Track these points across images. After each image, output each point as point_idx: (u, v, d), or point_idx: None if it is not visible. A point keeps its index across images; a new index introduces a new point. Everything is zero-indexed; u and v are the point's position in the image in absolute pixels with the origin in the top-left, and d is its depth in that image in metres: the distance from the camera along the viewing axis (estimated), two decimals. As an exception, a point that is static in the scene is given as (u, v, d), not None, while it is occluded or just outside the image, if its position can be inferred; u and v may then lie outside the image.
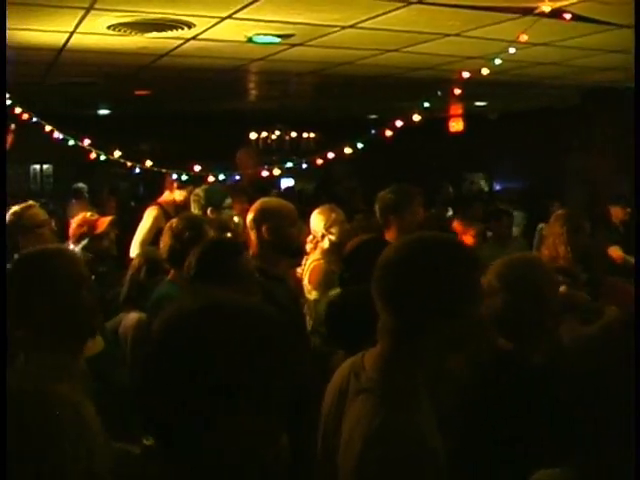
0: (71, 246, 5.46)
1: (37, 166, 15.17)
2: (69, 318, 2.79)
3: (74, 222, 5.55)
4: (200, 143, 12.26)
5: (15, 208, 5.30)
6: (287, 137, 13.09)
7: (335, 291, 4.63)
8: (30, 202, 5.49)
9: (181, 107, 12.35)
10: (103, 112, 13.36)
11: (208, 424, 1.64)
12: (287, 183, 14.45)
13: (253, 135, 12.45)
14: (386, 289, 2.19)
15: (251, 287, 3.69)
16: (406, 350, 2.18)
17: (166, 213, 7.12)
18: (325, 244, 5.53)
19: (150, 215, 7.21)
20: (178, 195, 7.32)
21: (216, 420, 1.63)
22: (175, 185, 7.30)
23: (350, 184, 13.94)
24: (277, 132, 12.96)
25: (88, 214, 5.67)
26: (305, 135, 13.42)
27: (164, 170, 6.86)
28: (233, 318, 1.68)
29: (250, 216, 4.69)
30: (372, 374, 2.21)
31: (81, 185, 12.71)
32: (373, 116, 13.67)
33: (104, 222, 5.59)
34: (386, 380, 2.16)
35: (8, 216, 5.26)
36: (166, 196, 7.44)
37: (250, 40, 6.45)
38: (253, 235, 4.68)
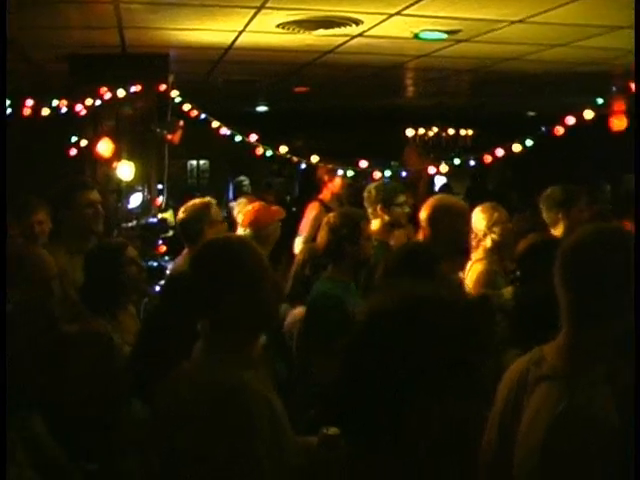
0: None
1: (194, 162, 15.55)
2: (254, 309, 2.79)
3: (251, 208, 5.64)
4: (356, 139, 12.31)
5: (205, 199, 5.44)
6: (444, 134, 12.96)
7: (507, 290, 4.57)
8: (207, 198, 5.63)
9: (338, 104, 12.41)
10: (261, 109, 13.57)
11: (413, 413, 1.64)
12: (441, 181, 14.27)
13: (410, 132, 12.38)
14: (568, 275, 2.27)
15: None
16: (586, 337, 2.24)
17: (327, 209, 7.19)
18: (487, 243, 5.45)
19: (312, 212, 7.30)
20: (334, 187, 7.38)
21: (421, 408, 1.64)
22: (326, 178, 7.35)
23: (503, 182, 13.71)
24: (434, 129, 12.84)
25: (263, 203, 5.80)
26: (462, 132, 13.24)
27: (330, 166, 6.91)
28: (435, 309, 1.69)
29: (424, 213, 4.68)
30: (554, 362, 2.28)
31: (242, 178, 12.97)
32: (532, 113, 13.37)
33: (280, 212, 5.69)
34: (568, 366, 2.23)
35: (198, 203, 5.41)
36: (325, 192, 7.51)
37: (416, 36, 6.39)
38: (425, 231, 4.67)
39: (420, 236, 5.01)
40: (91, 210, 5.08)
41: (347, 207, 5.92)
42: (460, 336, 1.69)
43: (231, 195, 13.71)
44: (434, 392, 1.66)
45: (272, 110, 13.61)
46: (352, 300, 4.36)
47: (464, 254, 4.97)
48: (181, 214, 5.46)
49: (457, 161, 6.79)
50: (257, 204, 5.76)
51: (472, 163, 6.69)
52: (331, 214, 4.82)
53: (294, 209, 9.74)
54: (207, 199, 5.57)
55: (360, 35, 6.41)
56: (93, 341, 3.54)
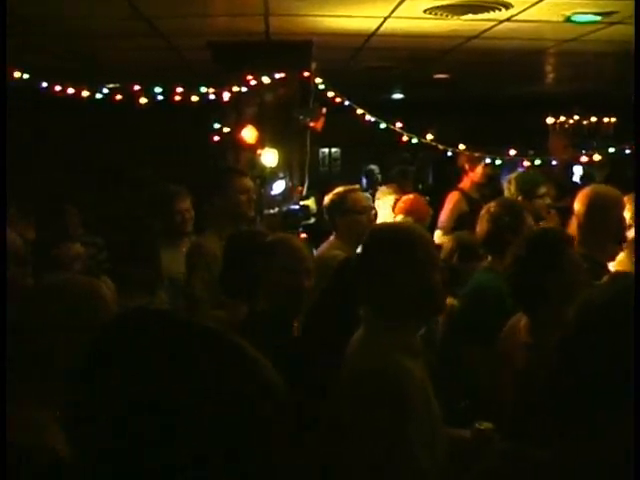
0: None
1: (326, 149, 15.62)
2: (422, 296, 2.79)
3: (409, 198, 5.63)
4: (491, 127, 12.04)
5: (339, 189, 5.42)
6: (585, 122, 12.56)
7: None
8: (356, 186, 5.61)
9: (474, 91, 12.21)
10: (396, 96, 13.47)
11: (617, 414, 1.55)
12: (578, 170, 13.76)
13: (550, 120, 12.07)
14: None
15: (576, 279, 3.50)
16: None
17: (468, 198, 7.07)
18: (631, 234, 5.24)
19: (452, 200, 7.19)
20: (475, 176, 7.24)
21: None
22: (467, 166, 7.22)
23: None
24: (575, 116, 12.46)
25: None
26: (605, 120, 12.77)
27: (477, 154, 6.79)
28: None
29: (580, 203, 4.54)
30: None
31: (373, 167, 12.92)
32: (679, 99, 12.80)
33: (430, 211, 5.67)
34: None
35: (332, 195, 5.40)
36: (466, 181, 7.38)
37: (568, 19, 6.17)
38: (581, 222, 4.53)
39: (573, 227, 4.86)
40: (245, 196, 5.16)
41: (506, 197, 5.77)
42: None
43: (365, 183, 13.68)
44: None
45: (407, 97, 13.50)
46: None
47: (620, 244, 4.80)
48: (325, 200, 5.46)
49: (612, 149, 6.53)
50: (414, 195, 5.78)
51: (627, 152, 6.41)
52: (491, 203, 4.70)
53: (427, 198, 9.63)
54: (351, 187, 5.53)
55: (508, 20, 6.25)
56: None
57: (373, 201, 7.14)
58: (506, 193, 5.99)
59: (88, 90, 6.81)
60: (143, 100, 6.87)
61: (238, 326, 3.62)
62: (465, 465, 3.11)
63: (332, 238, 5.44)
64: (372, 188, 10.83)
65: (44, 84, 6.76)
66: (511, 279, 3.61)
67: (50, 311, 2.35)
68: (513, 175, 6.17)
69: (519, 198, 5.78)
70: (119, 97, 6.83)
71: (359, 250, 3.08)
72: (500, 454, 2.90)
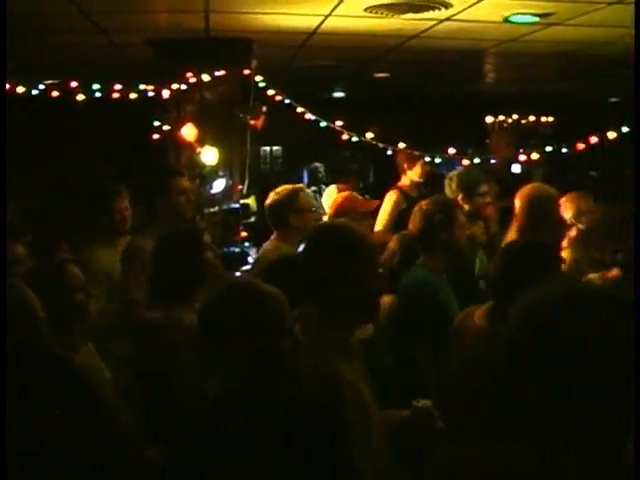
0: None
1: (267, 148, 15.57)
2: (362, 299, 2.78)
3: (340, 197, 5.62)
4: (431, 126, 12.12)
5: (288, 187, 5.40)
6: (524, 121, 12.72)
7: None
8: (301, 185, 5.61)
9: (414, 90, 12.26)
10: (337, 95, 13.47)
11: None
12: (515, 169, 13.88)
13: (489, 119, 12.19)
14: None
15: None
16: None
17: (406, 196, 7.08)
18: (572, 233, 5.31)
19: (390, 199, 7.19)
20: (413, 175, 7.25)
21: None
22: (406, 165, 7.23)
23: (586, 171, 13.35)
24: (514, 116, 12.61)
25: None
26: (543, 119, 12.95)
27: (417, 152, 6.80)
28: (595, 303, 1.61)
29: (520, 201, 4.59)
30: None
31: (317, 164, 12.90)
32: (614, 99, 13.01)
33: (372, 204, 5.65)
34: None
35: (280, 193, 5.36)
36: (404, 179, 7.39)
37: (506, 20, 6.22)
38: (520, 221, 4.57)
39: (514, 226, 4.90)
40: (183, 197, 5.14)
41: (439, 195, 5.80)
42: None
43: (306, 182, 13.66)
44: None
45: (348, 96, 13.51)
46: (446, 290, 4.28)
47: (559, 243, 4.86)
48: (270, 199, 5.42)
49: (549, 148, 6.61)
50: (347, 192, 5.79)
51: (564, 150, 6.50)
52: (424, 201, 4.73)
53: (367, 196, 9.64)
54: (298, 186, 5.53)
55: (448, 19, 6.27)
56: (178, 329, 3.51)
57: (316, 199, 7.14)
58: (447, 190, 6.03)
59: (24, 86, 6.69)
60: (80, 97, 6.75)
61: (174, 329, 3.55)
62: (404, 444, 3.12)
63: (274, 237, 5.40)
64: (315, 186, 10.83)
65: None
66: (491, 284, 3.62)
67: None
68: (455, 172, 6.20)
69: (460, 195, 5.82)
70: (56, 94, 6.70)
71: (300, 249, 3.07)
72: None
